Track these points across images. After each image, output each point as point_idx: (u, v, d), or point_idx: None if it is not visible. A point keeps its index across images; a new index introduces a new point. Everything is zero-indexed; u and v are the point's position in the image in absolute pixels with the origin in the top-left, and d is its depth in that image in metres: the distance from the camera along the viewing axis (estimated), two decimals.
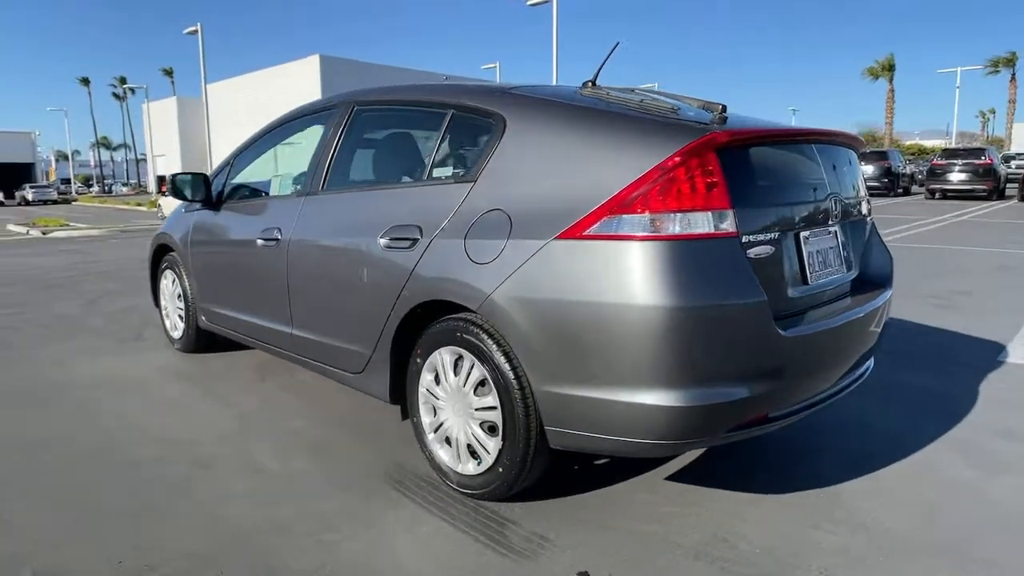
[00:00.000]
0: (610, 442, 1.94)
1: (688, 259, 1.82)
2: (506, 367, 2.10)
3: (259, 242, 3.20)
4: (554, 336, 1.97)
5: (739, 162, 1.96)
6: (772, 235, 2.00)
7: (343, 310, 2.75)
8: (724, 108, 2.08)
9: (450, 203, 2.32)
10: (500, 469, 2.20)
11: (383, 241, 2.51)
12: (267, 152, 3.61)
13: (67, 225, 17.70)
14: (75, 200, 44.67)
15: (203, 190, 3.61)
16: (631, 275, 1.84)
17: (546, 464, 2.23)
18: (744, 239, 1.91)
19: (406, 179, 2.74)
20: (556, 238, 1.98)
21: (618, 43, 2.73)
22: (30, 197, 39.58)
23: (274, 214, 3.19)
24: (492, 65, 32.31)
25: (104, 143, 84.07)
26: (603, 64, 2.76)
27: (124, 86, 61.94)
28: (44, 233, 15.83)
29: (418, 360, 2.45)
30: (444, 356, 2.34)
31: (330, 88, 32.50)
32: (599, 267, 1.89)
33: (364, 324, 2.62)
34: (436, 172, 2.50)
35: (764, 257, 1.96)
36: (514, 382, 2.09)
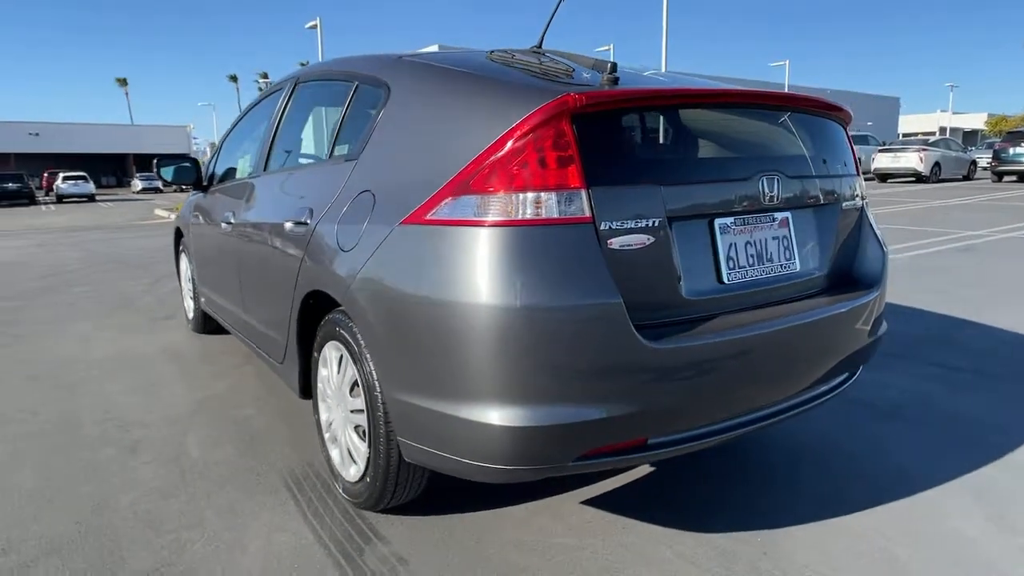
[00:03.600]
0: (454, 463, 1.68)
1: (522, 250, 1.51)
2: (369, 368, 1.88)
3: (223, 226, 3.17)
4: (398, 337, 1.73)
5: (608, 132, 1.60)
6: (652, 221, 1.61)
7: (267, 296, 2.64)
8: (614, 67, 1.72)
9: (336, 183, 2.13)
10: (368, 479, 1.99)
11: (288, 225, 2.36)
12: (251, 132, 3.57)
13: None
14: None
15: (191, 174, 3.65)
16: (458, 268, 1.56)
17: (420, 480, 1.99)
18: (603, 226, 1.55)
19: (318, 158, 2.57)
20: (401, 223, 1.73)
21: (561, 1, 2.38)
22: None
23: (234, 197, 3.15)
24: (606, 47, 31.43)
25: None
26: (548, 25, 2.43)
27: (264, 80, 66.84)
28: None
29: (315, 353, 2.28)
30: (331, 351, 2.16)
31: None
32: (433, 257, 1.62)
33: (279, 312, 2.50)
34: (337, 150, 2.31)
35: (636, 249, 1.59)
36: (376, 385, 1.87)
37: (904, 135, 56.09)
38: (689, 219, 1.71)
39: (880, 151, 20.99)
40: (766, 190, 1.82)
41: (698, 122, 1.81)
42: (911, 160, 19.76)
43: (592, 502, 2.19)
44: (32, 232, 13.87)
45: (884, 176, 20.87)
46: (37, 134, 46.14)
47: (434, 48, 39.61)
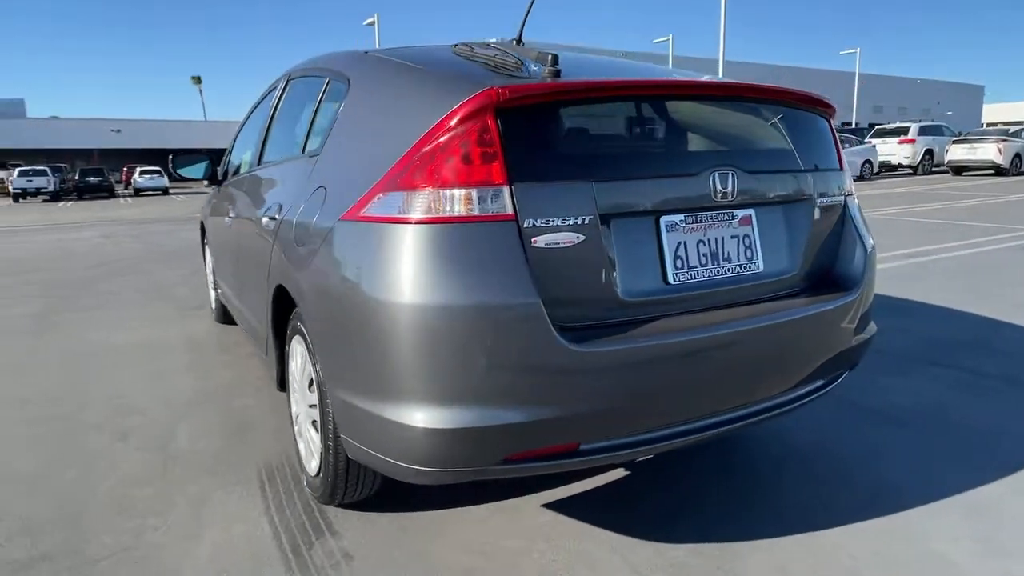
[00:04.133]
0: (384, 463, 1.66)
1: (441, 248, 1.47)
2: (318, 363, 1.89)
3: (226, 220, 3.26)
4: (336, 334, 1.72)
5: (536, 126, 1.54)
6: (581, 219, 1.54)
7: (252, 290, 2.69)
8: (555, 59, 1.66)
9: (302, 179, 2.15)
10: (322, 474, 2.00)
11: (264, 220, 2.39)
12: (255, 128, 3.64)
13: None
14: None
15: (202, 170, 3.75)
16: (382, 265, 1.53)
17: (373, 478, 1.99)
18: (527, 224, 1.50)
19: (295, 153, 2.59)
20: (340, 219, 1.72)
21: None
22: None
23: (235, 191, 3.22)
24: (665, 38, 30.79)
25: None
26: (526, 18, 2.37)
27: None
28: None
29: (286, 348, 2.31)
30: (296, 346, 2.18)
31: None
32: (362, 254, 1.60)
33: (261, 305, 2.54)
34: (308, 145, 2.32)
35: (564, 248, 1.53)
36: (324, 381, 1.87)
37: (988, 125, 52.76)
38: (630, 216, 1.63)
39: (955, 142, 19.80)
40: (718, 187, 1.72)
41: (644, 116, 1.72)
42: (988, 152, 18.55)
43: (555, 504, 2.14)
44: (104, 224, 14.66)
45: (959, 168, 19.69)
46: (119, 131, 48.73)
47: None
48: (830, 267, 2.02)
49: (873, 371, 3.26)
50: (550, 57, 1.66)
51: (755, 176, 1.80)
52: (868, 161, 19.95)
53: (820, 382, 1.99)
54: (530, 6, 2.38)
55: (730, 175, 1.73)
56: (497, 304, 1.44)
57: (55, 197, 28.96)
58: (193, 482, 2.34)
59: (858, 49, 36.49)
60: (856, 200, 2.15)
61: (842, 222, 2.04)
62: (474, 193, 1.48)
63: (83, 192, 29.50)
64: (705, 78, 1.79)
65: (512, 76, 1.65)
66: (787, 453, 2.43)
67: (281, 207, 2.23)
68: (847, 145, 19.74)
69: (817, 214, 1.96)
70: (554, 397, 1.49)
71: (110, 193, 30.51)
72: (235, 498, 2.22)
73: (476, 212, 1.48)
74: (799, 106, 1.96)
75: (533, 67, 1.75)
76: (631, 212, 1.62)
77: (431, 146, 1.53)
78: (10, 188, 28.36)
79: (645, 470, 2.34)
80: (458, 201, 1.48)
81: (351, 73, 2.08)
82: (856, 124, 35.32)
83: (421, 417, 1.50)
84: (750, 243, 1.82)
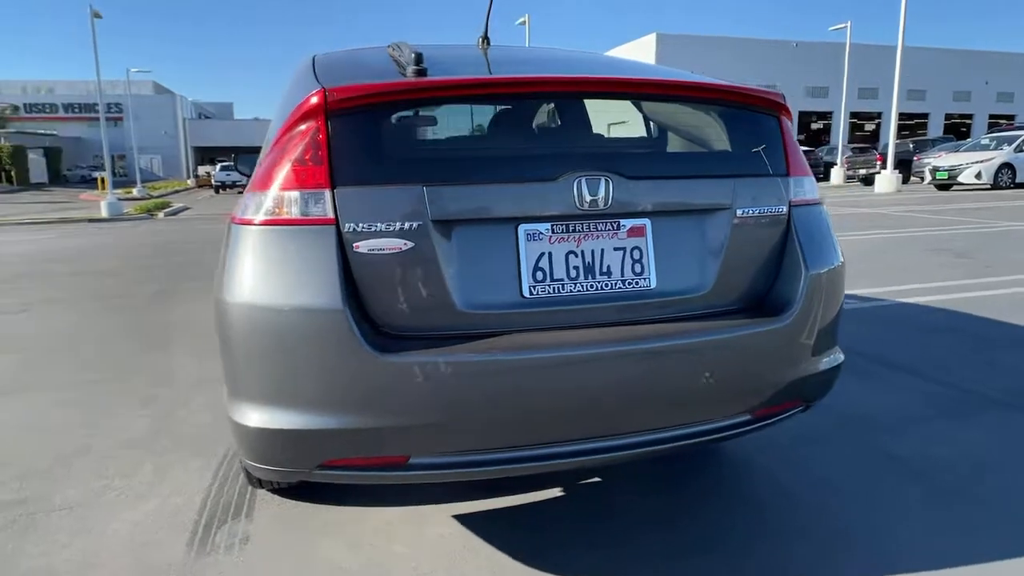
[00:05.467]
0: (240, 457, 1.71)
1: (265, 249, 1.48)
2: None
3: None
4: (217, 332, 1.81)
5: (367, 128, 1.49)
6: (410, 225, 1.47)
7: None
8: (419, 58, 1.60)
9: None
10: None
11: None
12: None
13: None
14: None
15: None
16: (227, 266, 1.58)
17: None
18: (348, 228, 1.46)
19: None
20: (232, 221, 1.80)
21: None
22: None
23: None
24: (842, 25, 28.10)
25: None
26: (488, 16, 2.32)
27: None
28: None
29: None
30: None
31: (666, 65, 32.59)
32: (224, 254, 1.66)
33: None
34: None
35: (389, 254, 1.46)
36: None
37: None
38: (477, 224, 1.53)
39: None
40: (586, 194, 1.55)
41: (499, 117, 1.60)
42: None
43: (464, 517, 2.07)
44: None
45: None
46: None
47: (651, 36, 38.65)
48: (759, 288, 1.76)
49: (935, 412, 2.79)
50: (414, 56, 1.61)
51: (645, 183, 1.61)
52: None
53: (741, 418, 1.74)
54: (490, 6, 2.32)
55: (602, 181, 1.56)
56: (302, 307, 1.43)
57: None
58: (168, 452, 2.56)
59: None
60: (817, 210, 1.85)
61: (782, 236, 1.77)
62: (299, 196, 1.48)
63: None
64: (602, 75, 1.62)
65: (388, 77, 1.62)
66: (752, 496, 2.16)
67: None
68: None
69: (743, 227, 1.71)
70: (368, 406, 1.45)
71: None
72: (191, 472, 2.40)
73: (299, 215, 1.48)
74: (730, 104, 1.72)
75: (411, 69, 1.71)
76: (477, 219, 1.52)
77: (277, 149, 1.55)
78: (212, 181, 32.65)
79: (590, 492, 2.19)
80: (287, 204, 1.49)
81: (292, 77, 2.15)
82: None
83: (248, 416, 1.53)
84: (640, 256, 1.63)
